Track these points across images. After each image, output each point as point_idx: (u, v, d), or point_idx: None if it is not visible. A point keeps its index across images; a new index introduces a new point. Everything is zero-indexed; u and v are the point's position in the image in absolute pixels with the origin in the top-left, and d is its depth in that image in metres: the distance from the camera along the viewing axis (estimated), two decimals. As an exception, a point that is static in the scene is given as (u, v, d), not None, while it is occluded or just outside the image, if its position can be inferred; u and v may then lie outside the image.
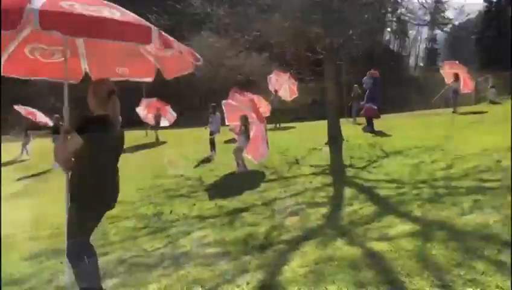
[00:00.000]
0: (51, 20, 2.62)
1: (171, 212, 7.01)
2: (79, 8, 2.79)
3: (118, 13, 2.98)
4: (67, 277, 3.38)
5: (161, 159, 13.84)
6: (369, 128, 13.72)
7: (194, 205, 7.36)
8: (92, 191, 3.19)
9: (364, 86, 14.41)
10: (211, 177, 9.78)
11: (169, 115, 20.17)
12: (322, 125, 13.70)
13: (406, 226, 4.90)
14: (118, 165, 3.52)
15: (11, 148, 20.04)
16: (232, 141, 13.02)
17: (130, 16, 3.10)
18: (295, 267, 4.09)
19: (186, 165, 11.88)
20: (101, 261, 4.87)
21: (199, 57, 3.52)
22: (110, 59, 4.09)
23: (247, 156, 10.33)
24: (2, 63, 3.83)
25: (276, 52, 16.42)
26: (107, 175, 3.31)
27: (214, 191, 8.42)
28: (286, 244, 4.86)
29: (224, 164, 10.91)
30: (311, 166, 9.46)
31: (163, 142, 18.70)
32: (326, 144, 11.83)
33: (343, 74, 17.08)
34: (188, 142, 17.15)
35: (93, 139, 3.10)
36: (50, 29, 2.67)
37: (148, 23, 3.05)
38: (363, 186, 7.31)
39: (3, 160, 17.80)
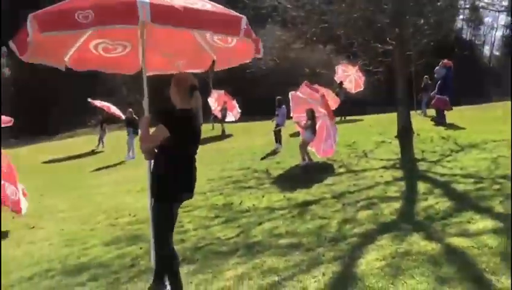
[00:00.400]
0: (161, 13, 2.63)
1: (240, 203, 7.14)
2: (179, 0, 2.80)
3: (209, 5, 3.02)
4: (154, 263, 3.56)
5: (228, 151, 14.12)
6: (440, 120, 13.14)
7: (263, 196, 7.44)
8: (176, 181, 3.31)
9: (436, 76, 13.80)
10: (277, 170, 9.82)
11: (235, 111, 20.30)
12: (391, 117, 13.33)
13: (488, 223, 4.68)
14: None
15: (89, 141, 21.42)
16: (297, 134, 12.96)
17: (221, 8, 3.14)
18: (371, 260, 4.04)
19: (253, 157, 12.04)
20: (178, 248, 5.10)
21: (261, 49, 3.48)
22: (168, 52, 4.09)
23: (312, 149, 10.26)
24: (70, 56, 3.90)
25: (343, 44, 16.09)
26: (189, 166, 3.43)
27: (281, 184, 8.44)
28: (359, 238, 4.81)
29: (291, 157, 10.92)
30: (381, 159, 9.24)
31: (229, 135, 19.06)
32: (396, 137, 11.48)
33: (412, 65, 16.41)
34: (254, 135, 17.35)
35: (179, 131, 3.23)
36: (159, 23, 2.68)
37: (237, 14, 3.07)
38: (437, 180, 7.04)
39: (83, 151, 19.12)
